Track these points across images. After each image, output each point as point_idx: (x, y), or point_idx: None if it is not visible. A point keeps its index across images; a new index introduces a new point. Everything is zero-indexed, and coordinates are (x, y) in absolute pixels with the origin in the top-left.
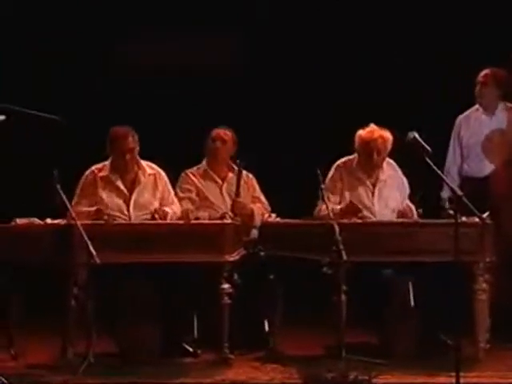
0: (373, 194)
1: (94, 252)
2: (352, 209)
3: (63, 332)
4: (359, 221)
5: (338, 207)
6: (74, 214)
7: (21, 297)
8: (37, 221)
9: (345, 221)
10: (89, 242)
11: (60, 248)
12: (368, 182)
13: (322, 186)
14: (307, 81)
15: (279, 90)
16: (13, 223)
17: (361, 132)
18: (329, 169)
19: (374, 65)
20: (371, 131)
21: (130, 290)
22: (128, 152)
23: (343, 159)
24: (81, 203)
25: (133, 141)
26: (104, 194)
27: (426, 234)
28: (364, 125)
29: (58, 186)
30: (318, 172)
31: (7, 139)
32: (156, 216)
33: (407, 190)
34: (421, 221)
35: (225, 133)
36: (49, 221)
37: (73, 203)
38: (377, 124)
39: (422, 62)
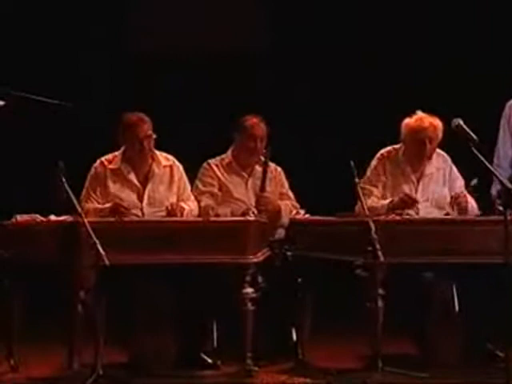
0: (416, 190)
1: (102, 252)
2: (408, 201)
3: (69, 341)
4: (397, 218)
5: (386, 201)
6: (80, 210)
7: (21, 302)
8: (39, 218)
9: (381, 218)
10: (97, 242)
11: (65, 248)
12: (413, 177)
13: (357, 180)
14: (340, 63)
15: (308, 73)
16: (12, 220)
17: (408, 120)
18: (364, 161)
19: (413, 46)
20: (421, 119)
21: (142, 295)
22: (145, 139)
23: (387, 148)
24: (91, 199)
25: (149, 128)
26: (114, 189)
27: (472, 232)
28: (403, 112)
29: (64, 179)
30: (352, 164)
31: (7, 127)
32: (173, 213)
33: (460, 182)
34: (466, 218)
35: (261, 129)
36: (53, 218)
37: (82, 199)
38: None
39: (465, 44)
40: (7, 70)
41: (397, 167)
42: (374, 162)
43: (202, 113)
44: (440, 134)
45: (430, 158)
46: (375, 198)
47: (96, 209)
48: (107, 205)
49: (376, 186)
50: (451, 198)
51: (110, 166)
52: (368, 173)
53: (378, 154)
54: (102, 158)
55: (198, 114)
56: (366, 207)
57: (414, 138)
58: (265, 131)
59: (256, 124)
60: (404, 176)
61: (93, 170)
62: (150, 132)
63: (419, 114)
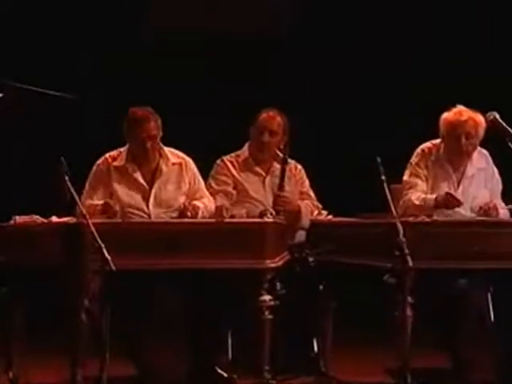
0: (455, 192)
1: (108, 257)
2: (452, 202)
3: (72, 352)
4: (427, 219)
5: (433, 196)
6: (85, 211)
7: (21, 310)
8: (40, 219)
9: (410, 219)
10: (102, 245)
11: (68, 252)
12: (454, 177)
13: (383, 178)
14: (368, 53)
15: (330, 63)
16: (11, 222)
17: (447, 114)
18: (390, 158)
19: (447, 37)
20: (459, 112)
21: (151, 303)
22: (149, 139)
23: (426, 144)
24: (92, 198)
25: (155, 126)
26: (119, 188)
27: (510, 235)
28: (438, 107)
29: (66, 177)
30: (378, 161)
31: (5, 121)
32: (188, 213)
33: (499, 186)
34: (504, 220)
35: (276, 122)
36: (54, 219)
37: (82, 198)
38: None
39: (500, 36)
40: (7, 60)
41: (437, 164)
42: (414, 158)
43: (215, 105)
44: (481, 131)
45: (469, 155)
46: (421, 193)
47: (91, 205)
48: (99, 202)
49: (420, 179)
50: (479, 208)
51: (115, 164)
52: (409, 167)
53: (418, 149)
54: (107, 155)
55: (212, 106)
56: (393, 208)
57: (450, 132)
58: (280, 125)
59: (269, 117)
60: (445, 174)
61: (96, 167)
62: (155, 132)
63: (459, 107)
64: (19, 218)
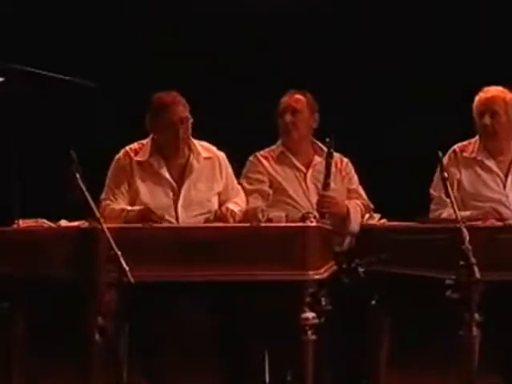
0: (504, 185)
1: (126, 267)
2: (494, 217)
3: (84, 374)
4: (499, 223)
5: (466, 213)
6: (98, 213)
7: (24, 328)
8: (46, 223)
9: (478, 223)
10: (119, 253)
11: (79, 261)
12: (496, 169)
13: (446, 175)
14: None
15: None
16: (14, 226)
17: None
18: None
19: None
20: (487, 90)
21: (175, 320)
22: (179, 123)
23: (463, 143)
24: (115, 198)
25: (184, 110)
26: (142, 187)
27: None
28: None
29: (77, 174)
30: (441, 155)
31: (6, 110)
32: (223, 217)
33: None
34: None
35: (295, 99)
36: (63, 223)
37: (103, 199)
38: None
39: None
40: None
41: (474, 162)
42: (445, 160)
43: (248, 93)
44: (511, 110)
45: (499, 137)
46: (449, 209)
47: (122, 210)
48: (136, 207)
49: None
50: None
51: (137, 158)
52: (436, 177)
53: (450, 151)
54: (127, 148)
55: (243, 94)
56: (457, 209)
57: (476, 113)
58: (301, 102)
59: (288, 96)
60: (485, 171)
61: (116, 161)
62: (186, 114)
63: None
64: (23, 222)
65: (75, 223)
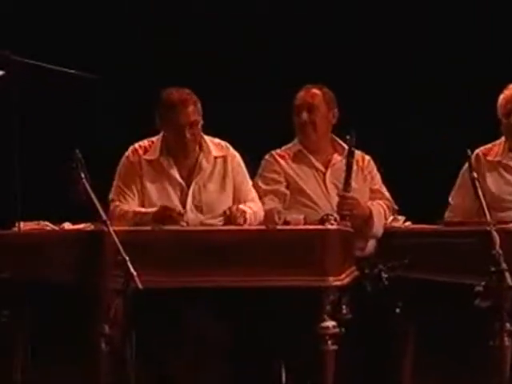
0: None
1: (133, 272)
2: None
3: (87, 381)
4: None
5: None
6: (104, 215)
7: (25, 338)
8: (49, 226)
9: (511, 225)
10: (127, 258)
11: (83, 266)
12: None
13: (475, 175)
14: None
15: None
16: (14, 229)
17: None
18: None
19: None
20: (511, 87)
21: (186, 328)
22: (189, 126)
23: (485, 146)
24: (125, 198)
25: (195, 111)
26: (151, 187)
27: None
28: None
29: (82, 174)
30: (469, 154)
31: (5, 105)
32: (239, 220)
33: None
34: None
35: (312, 94)
36: (67, 226)
37: (111, 199)
38: None
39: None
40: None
41: (498, 165)
42: (463, 170)
43: (248, 93)
44: None
45: None
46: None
47: (135, 214)
48: (149, 209)
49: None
50: None
51: (146, 157)
52: (457, 184)
53: (473, 156)
54: (136, 145)
55: (243, 94)
56: (487, 211)
57: (501, 112)
58: (318, 98)
59: (303, 91)
60: (509, 170)
61: (124, 159)
62: (196, 118)
63: None
64: (24, 225)
65: (79, 226)
